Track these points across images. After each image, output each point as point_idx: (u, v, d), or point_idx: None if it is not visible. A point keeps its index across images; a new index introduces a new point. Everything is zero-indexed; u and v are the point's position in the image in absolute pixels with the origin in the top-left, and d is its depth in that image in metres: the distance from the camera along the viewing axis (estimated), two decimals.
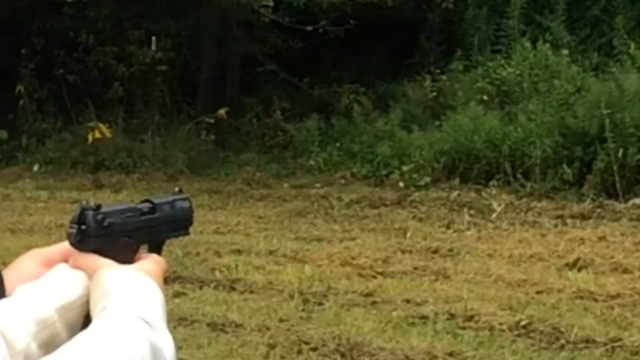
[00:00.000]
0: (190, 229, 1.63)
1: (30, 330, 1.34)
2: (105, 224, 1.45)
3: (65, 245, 1.47)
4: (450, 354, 5.91)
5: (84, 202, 1.47)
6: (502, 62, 13.56)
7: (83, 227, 1.44)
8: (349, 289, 7.42)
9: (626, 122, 11.09)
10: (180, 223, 1.61)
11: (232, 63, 16.07)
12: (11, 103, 14.93)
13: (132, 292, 1.37)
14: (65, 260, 1.46)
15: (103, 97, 14.89)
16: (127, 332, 1.29)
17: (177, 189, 1.64)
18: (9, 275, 1.45)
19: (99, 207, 1.45)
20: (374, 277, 7.82)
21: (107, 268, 1.42)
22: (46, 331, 1.36)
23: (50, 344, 1.35)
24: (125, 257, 1.47)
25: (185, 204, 1.61)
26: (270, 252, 8.74)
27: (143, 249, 1.54)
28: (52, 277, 1.43)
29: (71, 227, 1.45)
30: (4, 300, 1.39)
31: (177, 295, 7.15)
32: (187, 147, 13.93)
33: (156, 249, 1.55)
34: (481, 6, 14.78)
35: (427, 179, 11.92)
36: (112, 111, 14.59)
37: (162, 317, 1.37)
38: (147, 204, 1.55)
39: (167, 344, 1.33)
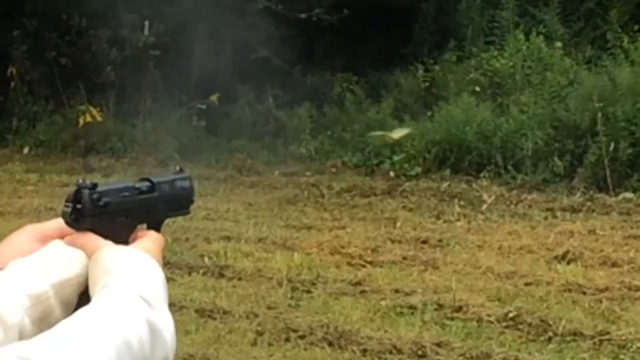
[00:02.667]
0: (191, 208, 1.61)
1: (23, 304, 1.32)
2: (101, 203, 1.43)
3: (61, 221, 1.46)
4: (438, 344, 5.91)
5: (81, 181, 1.45)
6: (495, 53, 13.55)
7: (78, 206, 1.42)
8: (337, 278, 7.42)
9: (618, 116, 11.10)
10: (180, 202, 1.60)
11: (225, 49, 16.02)
12: (2, 85, 14.88)
13: (132, 271, 1.36)
14: (61, 237, 1.45)
15: (95, 81, 14.84)
16: (126, 311, 1.28)
17: (177, 167, 1.63)
18: (2, 249, 1.43)
19: (95, 186, 1.44)
20: (363, 266, 7.82)
21: (107, 247, 1.41)
22: (40, 306, 1.34)
23: (44, 320, 1.33)
24: (121, 236, 1.46)
25: (186, 183, 1.60)
26: (260, 240, 8.72)
27: (142, 227, 1.52)
28: (48, 253, 1.41)
29: (66, 206, 1.43)
30: None
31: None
32: (178, 132, 13.90)
33: (155, 228, 1.54)
34: None
35: (418, 169, 11.92)
36: (104, 95, 14.54)
37: (163, 297, 1.37)
38: (146, 183, 1.53)
39: (166, 324, 1.32)
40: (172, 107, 14.51)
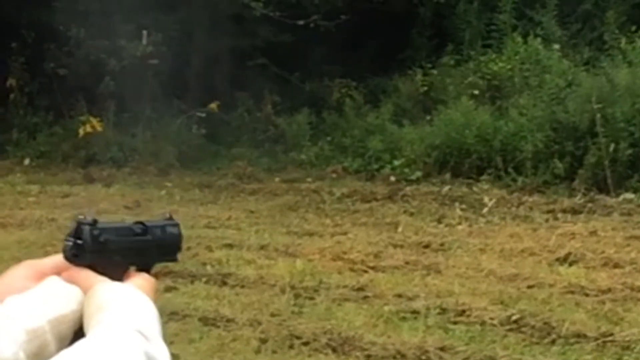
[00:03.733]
0: (178, 256, 1.62)
1: (19, 339, 1.32)
2: (101, 239, 1.44)
3: (58, 258, 1.46)
4: (442, 349, 5.91)
5: (81, 217, 1.45)
6: (494, 56, 13.57)
7: (79, 241, 1.43)
8: (340, 284, 7.42)
9: (617, 117, 11.10)
10: (169, 248, 1.60)
11: (223, 57, 16.03)
12: (2, 97, 14.89)
13: (128, 306, 1.37)
14: (57, 274, 1.45)
15: (94, 91, 14.83)
16: (123, 343, 1.28)
17: (167, 215, 1.63)
18: None
19: (95, 222, 1.45)
20: (366, 272, 7.82)
21: (102, 283, 1.41)
22: (36, 341, 1.34)
23: (38, 355, 1.33)
24: (117, 275, 1.46)
25: (175, 230, 1.60)
26: (262, 247, 8.72)
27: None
28: (45, 289, 1.41)
29: (67, 241, 1.44)
30: None
31: (168, 289, 7.13)
32: (178, 141, 13.90)
33: (145, 271, 1.55)
34: (472, 1, 14.78)
35: (419, 174, 11.93)
36: (103, 105, 14.54)
37: (158, 331, 1.36)
38: (140, 226, 1.55)
39: (163, 356, 1.32)
40: (171, 116, 14.52)
